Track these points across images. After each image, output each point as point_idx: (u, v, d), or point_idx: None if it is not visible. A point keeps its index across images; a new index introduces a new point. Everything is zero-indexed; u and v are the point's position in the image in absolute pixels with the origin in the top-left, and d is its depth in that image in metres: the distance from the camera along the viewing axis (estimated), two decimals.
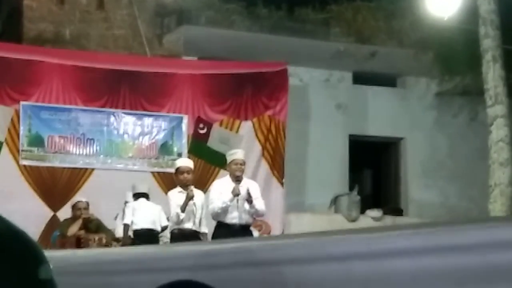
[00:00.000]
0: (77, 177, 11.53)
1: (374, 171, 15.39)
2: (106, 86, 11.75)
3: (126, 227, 9.84)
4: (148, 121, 12.02)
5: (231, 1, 12.73)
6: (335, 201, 13.27)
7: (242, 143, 12.11)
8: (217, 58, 12.89)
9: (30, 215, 10.98)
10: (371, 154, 14.73)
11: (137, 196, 10.07)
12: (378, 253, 2.11)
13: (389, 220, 13.07)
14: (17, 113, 11.31)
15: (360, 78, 14.43)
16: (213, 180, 10.83)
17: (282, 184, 12.38)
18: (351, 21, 12.79)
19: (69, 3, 12.62)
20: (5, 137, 11.25)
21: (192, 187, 9.51)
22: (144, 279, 2.68)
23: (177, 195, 9.50)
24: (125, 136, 11.91)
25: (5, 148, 11.23)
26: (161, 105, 12.06)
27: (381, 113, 14.30)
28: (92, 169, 11.64)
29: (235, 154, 9.51)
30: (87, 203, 10.47)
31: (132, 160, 11.89)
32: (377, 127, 14.35)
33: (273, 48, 12.62)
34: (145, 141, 12.00)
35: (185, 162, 10.09)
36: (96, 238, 10.07)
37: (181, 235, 9.27)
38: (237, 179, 9.19)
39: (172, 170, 10.05)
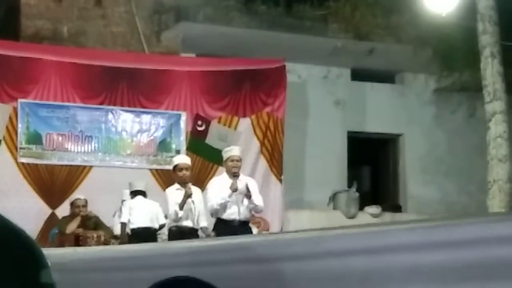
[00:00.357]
0: (75, 174, 11.52)
1: (372, 167, 15.40)
2: (104, 84, 11.74)
3: (123, 225, 9.83)
4: (146, 118, 12.01)
5: None
6: (333, 197, 13.27)
7: (241, 140, 12.11)
8: (215, 55, 12.88)
9: (29, 213, 10.99)
10: (369, 151, 14.73)
11: (134, 193, 10.05)
12: (375, 249, 2.11)
13: (388, 216, 13.09)
14: (15, 110, 11.30)
15: (358, 75, 14.42)
16: (211, 177, 10.83)
17: (280, 180, 12.38)
18: (349, 17, 12.78)
19: (67, 0, 12.60)
20: (3, 135, 11.24)
21: (190, 185, 9.51)
22: (142, 276, 2.68)
23: (175, 192, 9.50)
24: (124, 133, 11.91)
25: (3, 146, 11.22)
26: (159, 102, 12.05)
27: (379, 110, 14.29)
28: (91, 167, 11.63)
29: (231, 151, 9.53)
30: (86, 201, 10.47)
31: (130, 157, 11.88)
32: (375, 123, 14.34)
33: (271, 44, 12.61)
34: (144, 138, 11.99)
35: (183, 159, 10.11)
36: (95, 235, 10.06)
37: (179, 233, 9.27)
38: (234, 175, 9.20)
39: (171, 167, 10.05)
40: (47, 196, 11.31)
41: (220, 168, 10.80)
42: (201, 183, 10.93)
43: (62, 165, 11.50)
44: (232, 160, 9.32)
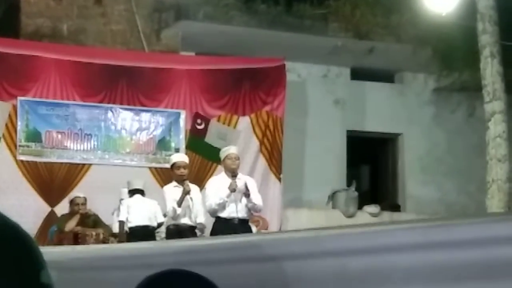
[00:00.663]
0: (74, 172, 11.52)
1: (371, 166, 15.40)
2: (103, 82, 11.74)
3: (121, 224, 9.84)
4: (145, 116, 12.01)
5: None
6: (332, 196, 13.28)
7: (240, 138, 12.12)
8: (215, 53, 12.88)
9: (28, 211, 11.00)
10: (369, 150, 14.73)
11: (132, 192, 10.06)
12: (374, 249, 2.10)
13: (387, 216, 13.09)
14: (14, 108, 11.30)
15: (358, 74, 14.42)
16: (210, 176, 10.85)
17: (279, 179, 12.38)
18: (349, 16, 12.78)
19: None
20: (2, 133, 11.24)
21: (188, 182, 9.53)
22: (141, 274, 2.67)
23: (172, 190, 9.54)
24: (123, 131, 11.90)
25: (2, 143, 11.23)
26: (158, 101, 12.05)
27: (379, 109, 14.29)
28: (90, 165, 11.63)
29: (229, 149, 9.59)
30: (85, 199, 10.48)
31: (129, 156, 11.88)
32: (375, 122, 14.34)
33: (271, 43, 12.61)
34: (143, 136, 11.99)
35: (181, 157, 10.17)
36: (94, 233, 10.06)
37: (177, 231, 9.29)
38: (233, 174, 9.20)
39: (169, 166, 10.09)
40: (46, 194, 11.31)
41: (219, 166, 10.80)
42: (200, 182, 10.94)
43: (61, 163, 11.50)
44: (230, 158, 9.35)
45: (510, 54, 10.00)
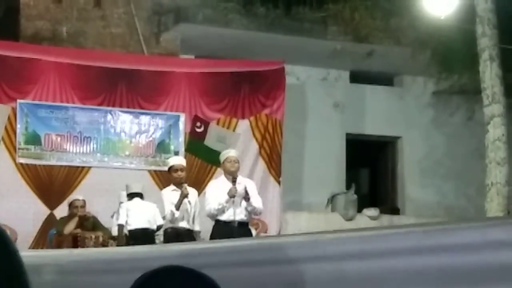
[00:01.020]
0: (74, 175, 11.52)
1: (371, 170, 15.40)
2: (103, 85, 11.74)
3: (120, 227, 9.85)
4: (145, 119, 12.01)
5: (228, 0, 12.72)
6: (332, 200, 13.28)
7: (239, 141, 12.12)
8: (214, 56, 12.88)
9: (27, 213, 11.01)
10: (368, 153, 14.74)
11: (131, 196, 10.07)
12: (372, 253, 2.11)
13: (386, 219, 13.09)
14: (14, 111, 11.30)
15: (357, 77, 14.43)
16: (209, 179, 10.86)
17: (279, 182, 12.38)
18: (348, 19, 12.79)
19: (66, 1, 12.60)
20: (1, 135, 11.23)
21: (186, 185, 9.55)
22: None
23: (170, 193, 9.55)
24: (122, 134, 11.90)
25: (1, 146, 11.22)
26: (158, 104, 12.05)
27: (378, 112, 14.30)
28: (89, 168, 11.63)
29: (228, 152, 9.62)
30: (84, 201, 10.47)
31: (129, 159, 11.88)
32: (374, 126, 14.35)
33: (270, 46, 12.62)
34: (142, 139, 11.99)
35: (178, 160, 10.20)
36: (93, 236, 10.06)
37: (175, 234, 9.30)
38: (233, 177, 9.21)
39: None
40: (45, 196, 11.31)
41: (219, 169, 10.80)
42: (200, 185, 10.95)
43: (60, 166, 11.49)
44: (230, 161, 9.36)
45: (509, 57, 10.01)
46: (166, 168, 10.20)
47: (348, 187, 13.53)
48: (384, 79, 14.67)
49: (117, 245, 9.56)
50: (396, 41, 13.01)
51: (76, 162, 11.58)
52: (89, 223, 10.36)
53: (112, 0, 12.82)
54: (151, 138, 12.02)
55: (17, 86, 11.33)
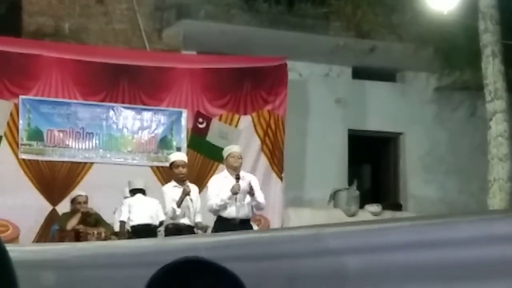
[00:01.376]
0: (76, 171, 11.53)
1: (373, 166, 15.39)
2: (105, 80, 11.75)
3: (122, 224, 9.86)
4: (147, 115, 12.02)
5: None
6: (334, 196, 13.28)
7: (241, 137, 12.12)
8: (216, 52, 12.88)
9: (30, 209, 11.02)
10: (370, 149, 14.73)
11: (133, 192, 10.08)
12: (374, 247, 2.11)
13: (388, 215, 13.09)
14: (16, 107, 11.30)
15: (360, 73, 14.42)
16: (212, 175, 10.85)
17: (281, 178, 12.38)
18: (350, 15, 12.77)
19: None
20: (4, 131, 11.23)
21: (187, 182, 9.56)
22: (142, 273, 2.68)
23: (172, 190, 9.56)
24: (125, 130, 11.91)
25: (4, 142, 11.22)
26: (160, 100, 12.05)
27: (380, 108, 14.29)
28: (91, 163, 11.63)
29: (231, 148, 9.65)
30: (87, 197, 10.48)
31: (131, 155, 11.88)
32: (376, 122, 14.34)
33: (273, 42, 12.61)
34: (144, 135, 11.99)
35: (179, 156, 10.21)
36: (95, 232, 10.07)
37: (176, 230, 9.31)
38: (236, 173, 9.22)
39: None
40: (48, 192, 11.32)
41: (221, 165, 10.81)
42: (202, 181, 10.96)
43: (63, 162, 11.50)
44: (233, 156, 9.38)
45: (511, 53, 10.00)
46: (168, 164, 10.21)
47: (350, 183, 13.53)
48: (387, 75, 14.66)
49: None
50: (399, 37, 12.98)
51: (79, 158, 11.59)
52: (92, 219, 10.37)
53: None
54: (153, 134, 12.02)
55: (20, 82, 11.33)
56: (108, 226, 10.34)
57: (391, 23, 12.86)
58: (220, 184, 9.28)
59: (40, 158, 11.37)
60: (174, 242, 3.06)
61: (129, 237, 9.58)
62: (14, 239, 10.57)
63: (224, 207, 9.11)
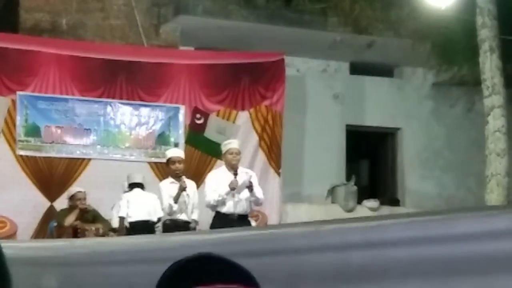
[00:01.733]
0: (74, 167, 11.52)
1: (371, 161, 15.40)
2: (103, 76, 11.73)
3: (121, 220, 9.86)
4: (145, 111, 12.01)
5: None
6: (332, 191, 13.29)
7: (239, 133, 12.11)
8: (214, 48, 12.87)
9: (27, 205, 11.02)
10: (368, 144, 14.74)
11: (132, 186, 10.08)
12: (374, 243, 2.11)
13: (386, 210, 13.10)
14: (13, 103, 11.29)
15: (357, 68, 14.42)
16: (209, 171, 10.85)
17: (279, 174, 12.38)
18: (348, 11, 12.76)
19: None
20: (1, 128, 11.23)
21: (184, 178, 9.57)
22: (142, 269, 2.68)
23: (168, 186, 9.57)
24: (122, 126, 11.90)
25: (1, 138, 11.21)
26: (158, 95, 12.04)
27: (378, 104, 14.30)
28: (89, 159, 11.63)
29: (230, 143, 9.61)
30: (85, 194, 10.48)
31: (129, 150, 11.87)
32: (374, 117, 14.35)
33: (270, 38, 12.61)
34: (142, 131, 11.98)
35: (176, 152, 10.22)
36: (93, 228, 10.07)
37: (174, 226, 9.32)
38: (234, 170, 9.22)
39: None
40: (45, 188, 11.31)
41: (219, 161, 10.81)
42: (200, 176, 10.95)
43: (60, 158, 11.49)
44: (231, 153, 9.37)
45: (509, 48, 10.00)
46: (165, 160, 10.21)
47: (348, 178, 13.54)
48: (384, 71, 14.66)
49: None
50: (396, 32, 12.98)
51: (76, 154, 11.58)
52: (89, 215, 10.38)
53: None
54: (151, 130, 12.02)
55: (17, 78, 11.32)
56: (105, 222, 10.34)
57: (388, 19, 12.85)
58: (218, 179, 9.29)
59: (37, 154, 11.36)
60: (175, 238, 3.06)
61: (127, 233, 9.59)
62: (12, 236, 10.57)
63: (222, 202, 9.12)
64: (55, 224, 10.48)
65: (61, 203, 10.96)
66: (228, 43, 12.78)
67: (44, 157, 11.41)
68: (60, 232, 10.15)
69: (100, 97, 11.74)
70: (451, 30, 11.60)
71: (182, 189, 9.47)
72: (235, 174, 9.19)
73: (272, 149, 12.41)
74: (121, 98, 11.84)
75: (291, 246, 2.31)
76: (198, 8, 12.56)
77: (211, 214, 9.41)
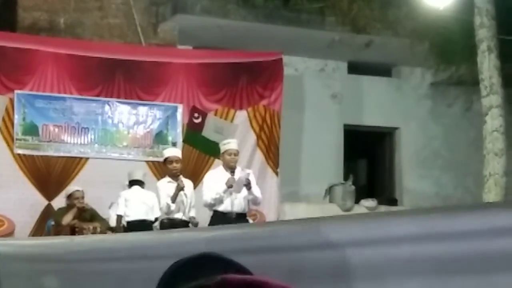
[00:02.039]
0: (71, 166, 11.51)
1: (368, 161, 15.41)
2: (100, 75, 11.73)
3: (118, 218, 9.86)
4: (143, 110, 12.00)
5: None
6: (329, 190, 13.29)
7: (237, 132, 12.11)
8: (212, 47, 12.87)
9: (25, 204, 11.01)
10: (366, 144, 14.74)
11: (131, 183, 10.08)
12: (374, 240, 2.10)
13: (384, 210, 13.09)
14: (11, 101, 11.28)
15: (355, 68, 14.43)
16: (207, 170, 10.86)
17: (276, 173, 12.38)
18: (346, 10, 12.75)
19: None
20: None
21: (181, 177, 9.57)
22: (140, 266, 2.67)
23: (166, 185, 9.58)
24: (120, 125, 11.89)
25: None
26: (156, 94, 12.04)
27: (376, 103, 14.30)
28: (87, 158, 11.62)
29: (229, 144, 9.58)
30: (83, 192, 10.48)
31: (126, 149, 11.87)
32: (372, 117, 14.35)
33: (268, 37, 12.61)
34: (140, 130, 11.98)
35: (173, 151, 10.23)
36: (91, 227, 10.07)
37: (171, 225, 9.33)
38: (232, 172, 9.23)
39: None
40: (43, 187, 11.30)
41: (217, 160, 10.82)
42: (197, 176, 10.96)
43: (58, 157, 11.49)
44: (230, 154, 9.37)
45: (507, 48, 10.01)
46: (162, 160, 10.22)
47: (345, 178, 13.54)
48: (382, 70, 14.67)
49: None
50: (394, 32, 12.98)
51: (74, 153, 11.58)
52: (87, 214, 10.37)
53: None
54: (149, 129, 12.01)
55: (15, 76, 11.31)
56: (103, 221, 10.34)
57: (386, 18, 12.85)
58: (215, 179, 9.29)
59: (35, 153, 11.36)
60: (173, 235, 3.05)
61: (125, 232, 9.58)
62: (10, 234, 10.56)
63: (219, 201, 9.12)
64: (52, 223, 10.47)
65: (59, 202, 10.96)
66: (226, 42, 12.78)
67: (42, 156, 11.40)
68: (58, 231, 10.15)
69: (98, 96, 11.74)
70: (449, 30, 11.60)
71: (180, 188, 9.47)
72: (232, 173, 9.19)
73: (270, 148, 12.41)
74: (119, 97, 11.84)
75: (292, 243, 2.30)
76: (196, 7, 12.55)
77: (209, 213, 9.42)
